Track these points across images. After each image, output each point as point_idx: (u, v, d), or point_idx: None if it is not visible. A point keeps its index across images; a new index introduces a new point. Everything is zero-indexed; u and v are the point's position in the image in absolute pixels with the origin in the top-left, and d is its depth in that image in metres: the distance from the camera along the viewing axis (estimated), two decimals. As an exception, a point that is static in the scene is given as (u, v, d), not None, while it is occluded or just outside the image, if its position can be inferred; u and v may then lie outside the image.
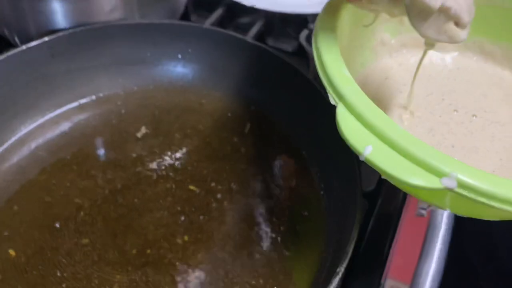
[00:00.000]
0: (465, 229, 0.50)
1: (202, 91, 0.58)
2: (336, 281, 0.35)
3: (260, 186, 0.50)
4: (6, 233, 0.46)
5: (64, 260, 0.44)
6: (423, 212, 0.50)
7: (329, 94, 0.33)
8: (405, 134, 0.29)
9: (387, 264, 0.45)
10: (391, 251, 0.46)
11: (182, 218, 0.47)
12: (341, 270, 0.36)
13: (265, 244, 0.46)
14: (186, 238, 0.46)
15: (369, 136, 0.30)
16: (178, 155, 0.53)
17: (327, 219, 0.47)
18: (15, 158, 0.53)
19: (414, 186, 0.28)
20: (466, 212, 0.36)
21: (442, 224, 0.50)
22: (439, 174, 0.28)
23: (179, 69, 0.59)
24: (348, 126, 0.31)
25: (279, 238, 0.46)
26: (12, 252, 0.45)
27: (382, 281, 0.43)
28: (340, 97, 0.32)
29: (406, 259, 0.46)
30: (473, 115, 0.43)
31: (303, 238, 0.46)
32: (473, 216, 0.36)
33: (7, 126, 0.53)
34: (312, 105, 0.50)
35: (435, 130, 0.43)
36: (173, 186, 0.50)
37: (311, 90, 0.49)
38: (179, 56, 0.58)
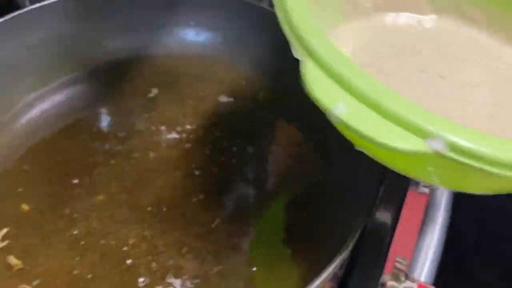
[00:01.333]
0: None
1: (215, 59, 0.58)
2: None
3: (274, 150, 0.50)
4: (20, 190, 0.46)
5: (78, 216, 0.44)
6: (425, 190, 0.51)
7: (292, 47, 0.29)
8: (386, 91, 0.25)
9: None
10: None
11: (197, 178, 0.47)
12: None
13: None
14: (201, 196, 0.46)
15: (344, 94, 0.26)
16: (190, 119, 0.53)
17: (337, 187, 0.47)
18: (24, 120, 0.52)
19: (397, 150, 0.24)
20: (452, 182, 0.32)
21: (442, 203, 0.51)
22: (425, 135, 0.24)
23: (192, 37, 0.59)
24: (318, 84, 0.26)
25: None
26: (25, 206, 0.44)
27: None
28: (308, 50, 0.27)
29: (408, 236, 0.47)
30: (441, 77, 0.40)
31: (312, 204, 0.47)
32: (459, 189, 0.32)
33: (17, 88, 0.53)
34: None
35: (401, 92, 0.39)
36: (187, 148, 0.50)
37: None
38: (192, 23, 0.58)
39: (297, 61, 0.28)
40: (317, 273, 0.32)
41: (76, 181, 0.46)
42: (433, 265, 0.47)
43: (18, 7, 0.57)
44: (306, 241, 0.43)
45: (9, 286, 0.39)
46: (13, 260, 0.41)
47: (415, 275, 0.45)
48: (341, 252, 0.33)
